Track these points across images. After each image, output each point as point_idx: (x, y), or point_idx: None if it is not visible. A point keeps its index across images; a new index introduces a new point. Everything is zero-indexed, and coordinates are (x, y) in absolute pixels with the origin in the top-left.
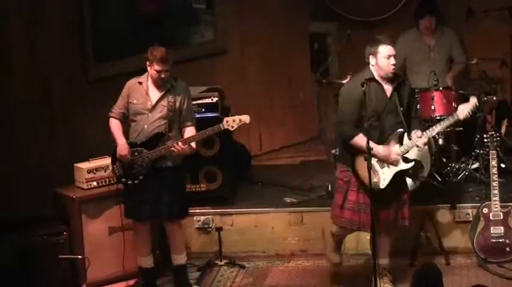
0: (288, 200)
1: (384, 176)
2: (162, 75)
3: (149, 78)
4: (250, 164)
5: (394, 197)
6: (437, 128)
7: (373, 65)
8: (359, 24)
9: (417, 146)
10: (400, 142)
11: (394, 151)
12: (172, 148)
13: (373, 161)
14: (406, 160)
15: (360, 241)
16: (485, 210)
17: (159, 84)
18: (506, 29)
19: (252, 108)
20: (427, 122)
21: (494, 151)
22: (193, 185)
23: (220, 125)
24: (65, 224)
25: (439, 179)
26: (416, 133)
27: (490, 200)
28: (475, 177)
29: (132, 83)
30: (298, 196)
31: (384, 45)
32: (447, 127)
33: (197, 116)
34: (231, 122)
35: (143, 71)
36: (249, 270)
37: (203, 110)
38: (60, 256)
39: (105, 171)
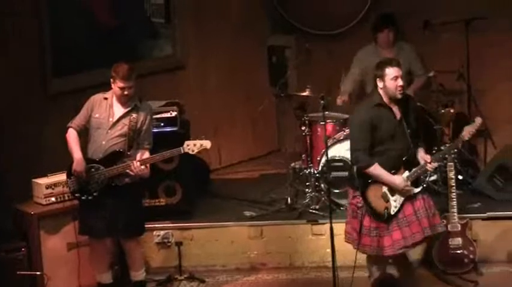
0: (247, 213)
1: (395, 204)
2: (125, 92)
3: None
4: (209, 178)
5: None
6: (444, 152)
7: (381, 88)
8: (318, 37)
9: (426, 171)
10: (409, 167)
11: (405, 178)
12: (131, 166)
13: (385, 189)
14: (415, 184)
15: (319, 253)
16: (443, 222)
17: (123, 101)
18: (462, 41)
19: (211, 122)
20: None
21: (451, 163)
22: (153, 199)
23: (181, 148)
24: (23, 240)
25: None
26: (426, 158)
27: (448, 212)
28: (433, 189)
29: (97, 97)
30: (257, 210)
31: (390, 67)
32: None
33: (156, 130)
34: (191, 146)
35: (103, 85)
36: (209, 284)
37: (162, 124)
38: (18, 273)
39: (63, 186)
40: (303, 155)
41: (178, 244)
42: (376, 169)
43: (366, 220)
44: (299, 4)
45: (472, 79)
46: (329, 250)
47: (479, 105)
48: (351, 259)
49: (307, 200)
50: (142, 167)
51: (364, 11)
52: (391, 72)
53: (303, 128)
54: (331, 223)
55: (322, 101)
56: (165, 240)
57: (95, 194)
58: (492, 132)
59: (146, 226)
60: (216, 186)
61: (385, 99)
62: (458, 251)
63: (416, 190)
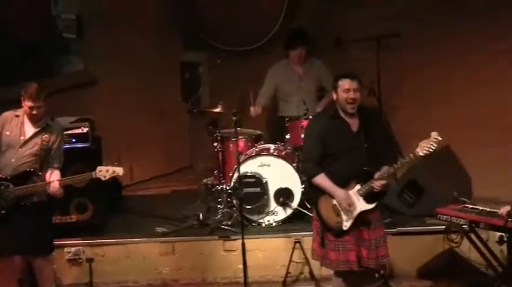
0: (159, 230)
1: (346, 218)
2: (34, 112)
3: None
4: (121, 195)
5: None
6: (394, 166)
7: (335, 100)
8: (230, 53)
9: (373, 188)
10: (364, 182)
11: (353, 193)
12: (50, 188)
13: (335, 201)
14: (370, 200)
15: (232, 269)
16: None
17: (32, 120)
18: (373, 57)
19: (124, 138)
20: (297, 151)
21: None
22: (64, 216)
23: (93, 173)
24: None
25: (308, 206)
26: (375, 175)
27: None
28: None
29: (9, 114)
30: (169, 226)
31: (343, 78)
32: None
33: (67, 146)
34: (104, 172)
35: (15, 101)
36: None
37: (73, 140)
38: None
39: None
40: (215, 171)
41: (90, 260)
42: (321, 179)
43: (329, 235)
44: (211, 21)
45: (383, 95)
46: (241, 266)
47: (390, 121)
48: (262, 274)
49: (219, 216)
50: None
51: (276, 28)
52: (342, 83)
53: (215, 144)
54: (243, 238)
55: (234, 118)
56: (77, 257)
57: (2, 211)
58: (402, 148)
59: (57, 242)
60: (127, 202)
61: (341, 111)
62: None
63: (369, 206)
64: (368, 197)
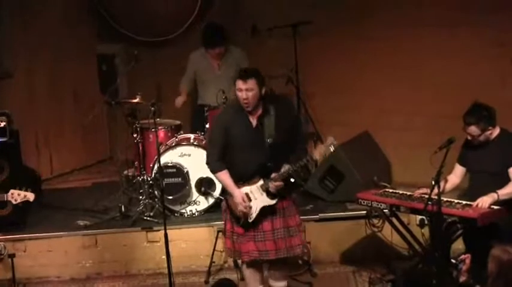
0: (81, 223)
1: (250, 211)
2: None
3: None
4: (41, 189)
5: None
6: (290, 169)
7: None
8: (146, 44)
9: (268, 189)
10: (268, 177)
11: (257, 188)
12: None
13: (243, 194)
14: (272, 196)
15: (155, 260)
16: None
17: None
18: (290, 46)
19: (41, 131)
20: None
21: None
22: None
23: (5, 195)
24: None
25: None
26: (274, 174)
27: None
28: None
29: None
30: (91, 219)
31: (239, 79)
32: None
33: None
34: (15, 196)
35: None
36: None
37: None
38: None
39: None
40: (136, 163)
41: (11, 256)
42: (222, 175)
43: (228, 224)
44: (125, 11)
45: (300, 83)
46: (164, 257)
47: (309, 108)
48: (186, 264)
49: (141, 208)
50: None
51: (193, 17)
52: (237, 83)
53: (135, 135)
54: (165, 229)
55: (152, 108)
56: None
57: None
58: (322, 135)
59: None
60: (48, 196)
61: None
62: None
63: (272, 202)
64: (270, 192)
